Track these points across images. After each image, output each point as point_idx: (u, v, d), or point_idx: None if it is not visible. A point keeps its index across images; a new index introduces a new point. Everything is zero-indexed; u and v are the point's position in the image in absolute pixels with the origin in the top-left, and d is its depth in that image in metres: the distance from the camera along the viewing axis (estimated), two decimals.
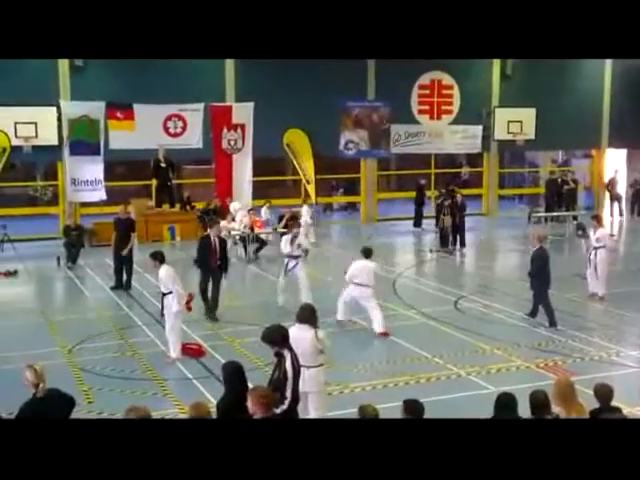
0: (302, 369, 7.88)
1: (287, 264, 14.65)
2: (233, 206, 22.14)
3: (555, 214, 26.45)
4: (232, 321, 14.13)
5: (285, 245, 14.61)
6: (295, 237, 14.74)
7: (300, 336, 8.25)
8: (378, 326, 13.16)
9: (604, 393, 6.95)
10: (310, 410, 8.45)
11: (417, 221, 26.59)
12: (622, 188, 30.37)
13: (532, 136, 28.98)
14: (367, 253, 13.51)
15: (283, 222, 21.27)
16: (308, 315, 8.53)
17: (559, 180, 28.40)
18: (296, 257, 14.65)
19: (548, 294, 13.80)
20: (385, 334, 13.10)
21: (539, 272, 13.76)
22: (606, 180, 30.45)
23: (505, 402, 6.64)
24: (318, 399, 8.51)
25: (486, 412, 6.69)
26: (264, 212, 23.09)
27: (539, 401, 6.55)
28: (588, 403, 6.92)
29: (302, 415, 8.07)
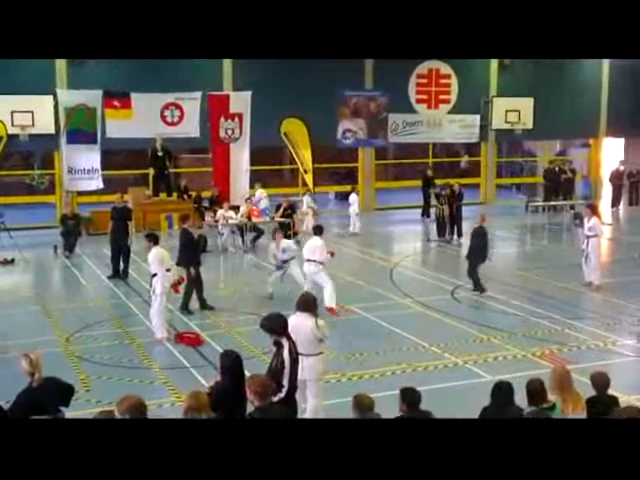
0: (301, 357, 7.89)
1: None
2: (260, 193, 22.71)
3: (553, 203, 26.42)
4: (229, 310, 14.15)
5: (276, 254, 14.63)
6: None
7: (300, 324, 8.27)
8: (328, 300, 13.33)
9: (600, 381, 6.98)
10: (308, 398, 8.47)
11: (425, 211, 26.48)
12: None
13: (530, 125, 28.93)
14: (317, 230, 14.00)
15: (280, 211, 21.31)
16: (309, 304, 8.54)
17: (557, 169, 28.37)
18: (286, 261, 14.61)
19: (478, 267, 15.14)
20: (332, 310, 13.24)
21: (477, 249, 15.18)
22: (609, 171, 30.26)
23: (502, 390, 6.67)
24: (317, 387, 8.51)
25: (483, 400, 6.74)
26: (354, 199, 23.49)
27: (535, 389, 6.59)
28: (585, 391, 6.95)
29: (300, 403, 8.11)
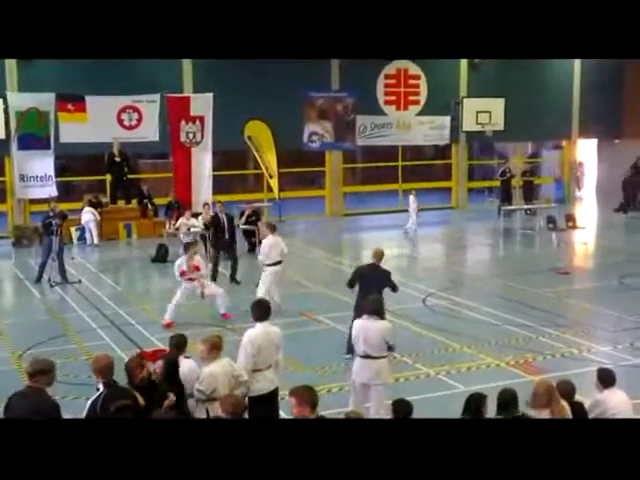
0: (368, 360, 8.35)
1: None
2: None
3: (526, 207, 25.71)
4: (192, 323, 13.07)
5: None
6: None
7: (369, 327, 8.46)
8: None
9: (565, 390, 6.90)
10: (372, 404, 8.36)
11: None
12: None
13: (501, 127, 28.21)
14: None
15: (244, 218, 20.34)
16: (378, 307, 8.69)
17: (506, 170, 27.34)
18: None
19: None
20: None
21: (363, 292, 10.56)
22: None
23: (474, 402, 6.54)
24: (382, 392, 8.39)
25: (456, 413, 6.53)
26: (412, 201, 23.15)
27: (506, 400, 6.52)
28: None
29: (359, 407, 8.11)
